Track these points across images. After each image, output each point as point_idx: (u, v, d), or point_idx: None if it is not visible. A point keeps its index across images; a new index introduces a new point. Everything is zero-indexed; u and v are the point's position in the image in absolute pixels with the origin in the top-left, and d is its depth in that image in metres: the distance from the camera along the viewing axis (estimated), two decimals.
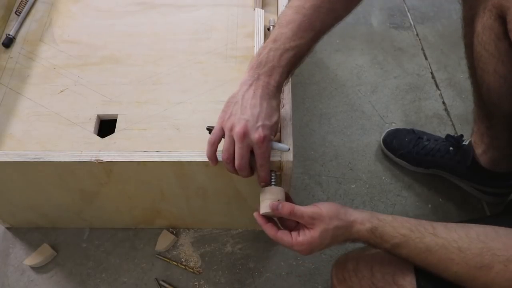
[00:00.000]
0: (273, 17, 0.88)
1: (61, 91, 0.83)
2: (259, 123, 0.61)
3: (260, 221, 0.64)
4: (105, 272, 0.89)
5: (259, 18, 0.87)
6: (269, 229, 0.62)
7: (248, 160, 0.62)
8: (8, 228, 0.95)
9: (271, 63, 0.62)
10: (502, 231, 0.54)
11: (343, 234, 0.61)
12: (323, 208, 0.61)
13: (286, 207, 0.60)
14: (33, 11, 0.95)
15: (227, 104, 0.64)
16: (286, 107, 0.73)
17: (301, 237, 0.61)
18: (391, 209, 0.96)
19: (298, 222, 0.62)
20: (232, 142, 0.61)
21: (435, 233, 0.56)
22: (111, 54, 0.88)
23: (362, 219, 0.60)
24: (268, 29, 0.86)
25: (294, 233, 0.61)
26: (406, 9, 1.33)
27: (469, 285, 0.54)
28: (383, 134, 1.06)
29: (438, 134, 1.04)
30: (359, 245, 0.61)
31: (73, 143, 0.77)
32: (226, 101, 0.64)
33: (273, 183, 0.66)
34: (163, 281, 0.88)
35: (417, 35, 1.27)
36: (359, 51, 1.23)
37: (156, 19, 0.92)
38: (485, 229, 0.55)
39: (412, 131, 1.03)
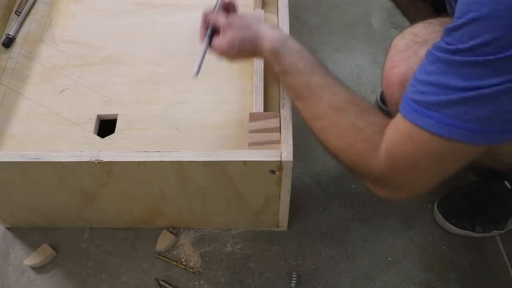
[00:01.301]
0: (273, 17, 0.88)
1: (61, 91, 0.83)
2: None
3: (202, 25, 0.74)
4: (105, 272, 0.89)
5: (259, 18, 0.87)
6: (200, 34, 0.73)
7: None
8: (8, 228, 0.95)
9: None
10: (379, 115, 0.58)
11: (250, 45, 0.67)
12: (236, 19, 0.70)
13: (214, 17, 0.71)
14: (33, 11, 0.95)
15: None
16: (286, 107, 0.73)
17: (215, 40, 0.70)
18: (391, 209, 0.96)
19: None
20: None
21: (324, 76, 0.61)
22: (111, 54, 0.88)
23: (272, 37, 0.65)
24: None
25: (216, 37, 0.71)
26: None
27: (320, 125, 0.60)
28: (378, 94, 1.08)
29: None
30: None
31: (73, 143, 0.77)
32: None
33: None
34: (163, 281, 0.88)
35: None
36: (359, 51, 1.23)
37: (156, 19, 0.93)
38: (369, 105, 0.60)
39: None
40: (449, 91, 0.46)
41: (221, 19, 0.70)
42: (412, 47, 0.57)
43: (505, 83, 0.43)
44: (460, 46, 0.44)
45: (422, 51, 0.53)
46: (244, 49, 0.69)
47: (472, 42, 0.43)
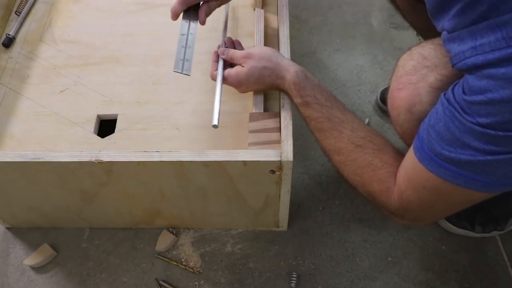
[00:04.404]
0: (273, 17, 0.88)
1: (61, 91, 0.83)
2: None
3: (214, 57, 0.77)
4: (105, 272, 0.89)
5: (259, 18, 0.87)
6: (212, 68, 0.75)
7: None
8: (8, 228, 0.95)
9: None
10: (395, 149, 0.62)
11: (270, 76, 0.70)
12: (256, 49, 0.73)
13: (229, 52, 0.74)
14: (33, 11, 0.95)
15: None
16: (286, 107, 0.73)
17: (231, 70, 0.72)
18: None
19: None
20: None
21: (343, 111, 0.65)
22: (111, 54, 0.88)
23: (294, 70, 0.68)
24: None
25: (229, 68, 0.73)
26: None
27: (339, 159, 0.64)
28: (379, 94, 1.08)
29: None
30: None
31: (73, 143, 0.77)
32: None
33: None
34: (163, 281, 0.88)
35: (417, 35, 1.27)
36: (359, 51, 1.23)
37: (156, 19, 0.93)
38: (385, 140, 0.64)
39: None
40: (467, 151, 0.47)
41: (237, 52, 0.74)
42: (420, 71, 0.57)
43: None
44: (480, 120, 0.45)
45: (431, 77, 0.54)
46: (262, 79, 0.71)
47: (492, 119, 0.44)
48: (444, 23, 0.49)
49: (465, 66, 0.47)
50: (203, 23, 0.76)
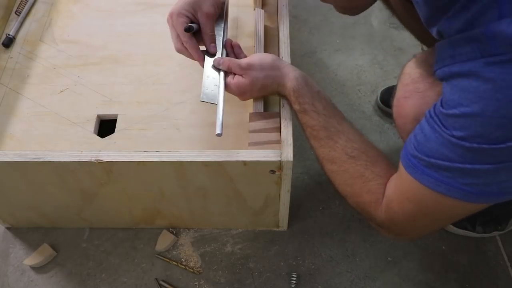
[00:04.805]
0: (273, 17, 0.88)
1: (61, 91, 0.83)
2: None
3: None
4: (105, 272, 0.89)
5: (259, 18, 0.87)
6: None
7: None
8: (8, 228, 0.95)
9: None
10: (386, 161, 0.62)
11: (272, 84, 0.70)
12: (256, 59, 0.70)
13: (225, 63, 0.71)
14: (33, 11, 0.95)
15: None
16: (286, 107, 0.73)
17: (233, 80, 0.70)
18: None
19: None
20: None
21: (340, 121, 0.65)
22: (111, 54, 0.88)
23: (295, 76, 0.68)
24: None
25: (230, 76, 0.71)
26: None
27: (331, 168, 0.65)
28: (379, 95, 1.08)
29: None
30: None
31: (73, 143, 0.77)
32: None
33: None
34: (163, 281, 0.88)
35: None
36: (359, 51, 1.23)
37: (156, 19, 0.93)
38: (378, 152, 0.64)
39: None
40: (446, 160, 0.48)
41: (234, 62, 0.71)
42: (427, 79, 0.57)
43: (501, 163, 0.45)
44: (455, 133, 0.46)
45: (439, 86, 0.53)
46: (265, 88, 0.71)
47: (465, 132, 0.45)
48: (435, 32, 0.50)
49: (442, 74, 0.48)
50: (214, 49, 0.74)
